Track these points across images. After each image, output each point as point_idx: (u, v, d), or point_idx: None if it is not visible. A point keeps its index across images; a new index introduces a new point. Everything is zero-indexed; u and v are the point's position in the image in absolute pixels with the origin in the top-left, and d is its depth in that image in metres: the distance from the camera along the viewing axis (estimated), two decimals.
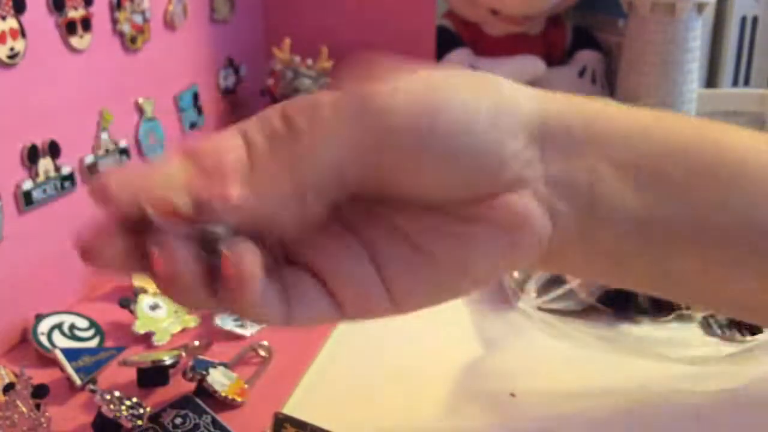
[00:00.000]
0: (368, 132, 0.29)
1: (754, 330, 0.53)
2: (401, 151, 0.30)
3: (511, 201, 0.31)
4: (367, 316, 0.33)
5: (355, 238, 0.32)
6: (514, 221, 0.31)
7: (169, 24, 0.69)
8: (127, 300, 0.55)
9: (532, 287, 0.57)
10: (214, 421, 0.43)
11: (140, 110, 0.65)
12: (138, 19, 0.64)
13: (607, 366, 0.51)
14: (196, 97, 0.74)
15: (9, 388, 0.41)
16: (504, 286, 0.62)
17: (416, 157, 0.30)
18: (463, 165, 0.30)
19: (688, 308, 0.56)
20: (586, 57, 0.86)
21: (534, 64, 0.83)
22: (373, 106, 0.30)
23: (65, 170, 0.56)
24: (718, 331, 0.54)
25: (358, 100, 0.30)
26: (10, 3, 0.50)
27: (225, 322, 0.54)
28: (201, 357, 0.49)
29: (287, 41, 0.81)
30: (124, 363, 0.48)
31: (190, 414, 0.44)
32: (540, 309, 0.56)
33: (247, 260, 0.28)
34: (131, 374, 0.48)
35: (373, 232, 0.32)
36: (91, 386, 0.45)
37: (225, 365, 0.48)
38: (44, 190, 0.54)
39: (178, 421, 0.43)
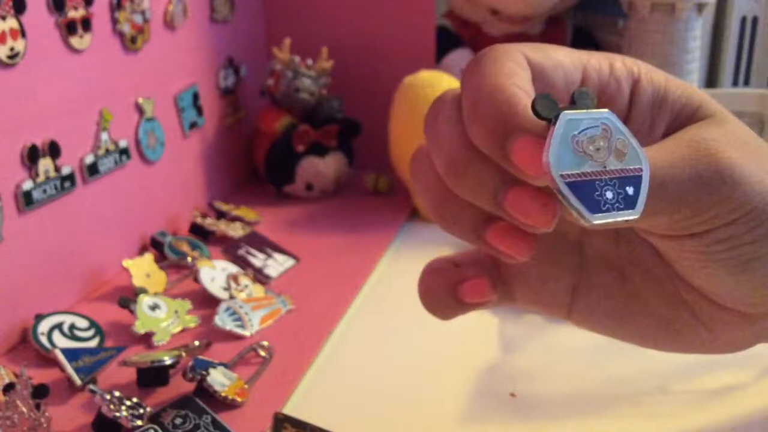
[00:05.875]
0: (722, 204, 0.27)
1: None
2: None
3: None
4: (536, 310, 0.34)
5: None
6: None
7: (169, 24, 0.69)
8: (127, 300, 0.55)
9: None
10: (214, 421, 0.43)
11: (140, 110, 0.65)
12: (138, 19, 0.64)
13: (611, 367, 0.51)
14: (196, 97, 0.74)
15: (9, 388, 0.41)
16: None
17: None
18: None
19: None
20: None
21: None
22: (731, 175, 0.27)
23: (65, 170, 0.56)
24: None
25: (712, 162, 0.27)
26: (10, 3, 0.50)
27: (225, 322, 0.55)
28: (201, 357, 0.49)
29: (287, 41, 0.81)
30: (124, 363, 0.48)
31: (190, 414, 0.44)
32: None
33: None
34: (131, 374, 0.48)
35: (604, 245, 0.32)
36: (91, 386, 0.45)
37: (225, 365, 0.48)
38: (44, 190, 0.54)
39: (178, 421, 0.43)
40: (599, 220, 0.24)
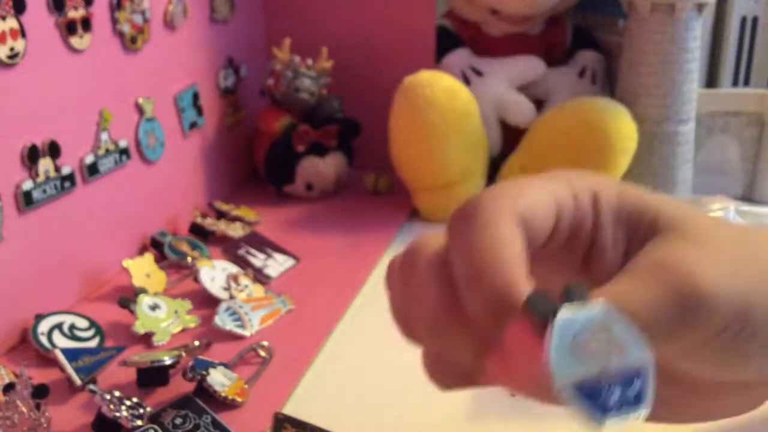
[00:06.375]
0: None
1: None
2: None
3: None
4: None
5: None
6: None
7: (169, 24, 0.69)
8: (127, 300, 0.55)
9: None
10: (214, 421, 0.43)
11: (140, 110, 0.65)
12: (138, 19, 0.64)
13: None
14: (196, 97, 0.74)
15: (9, 388, 0.41)
16: None
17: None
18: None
19: None
20: (586, 57, 0.86)
21: (534, 65, 0.83)
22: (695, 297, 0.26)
23: (65, 170, 0.56)
24: None
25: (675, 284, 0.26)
26: (10, 3, 0.50)
27: (225, 322, 0.54)
28: (201, 357, 0.49)
29: (287, 41, 0.81)
30: (124, 363, 0.48)
31: (190, 414, 0.44)
32: None
33: None
34: (131, 374, 0.48)
35: None
36: (91, 386, 0.45)
37: (225, 365, 0.48)
38: (44, 190, 0.54)
39: (178, 421, 0.43)
40: (609, 423, 0.23)
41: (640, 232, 0.29)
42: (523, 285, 0.25)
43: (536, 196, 0.28)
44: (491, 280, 0.25)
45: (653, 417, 0.33)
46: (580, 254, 0.29)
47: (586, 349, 0.23)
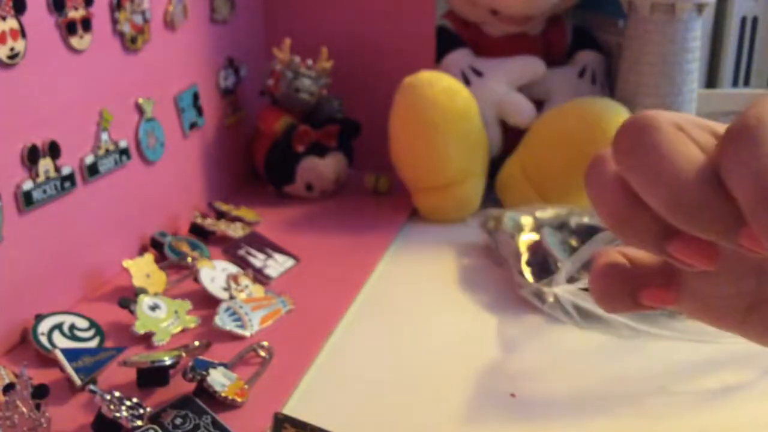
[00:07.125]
0: None
1: None
2: None
3: None
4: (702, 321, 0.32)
5: None
6: None
7: (169, 24, 0.69)
8: (127, 300, 0.55)
9: (563, 274, 0.57)
10: (214, 422, 0.43)
11: (140, 110, 0.65)
12: (138, 19, 0.64)
13: (611, 367, 0.51)
14: (196, 97, 0.74)
15: (9, 388, 0.41)
16: (511, 273, 0.62)
17: None
18: None
19: None
20: (586, 57, 0.86)
21: (534, 65, 0.83)
22: None
23: (65, 170, 0.56)
24: None
25: None
26: (10, 3, 0.50)
27: (225, 322, 0.54)
28: (201, 357, 0.49)
29: (287, 41, 0.81)
30: (124, 363, 0.48)
31: (190, 414, 0.44)
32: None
33: None
34: (131, 374, 0.48)
35: None
36: (91, 386, 0.45)
37: (225, 365, 0.48)
38: (44, 191, 0.54)
39: (178, 421, 0.43)
40: None
41: None
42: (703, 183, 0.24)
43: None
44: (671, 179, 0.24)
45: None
46: None
47: None
